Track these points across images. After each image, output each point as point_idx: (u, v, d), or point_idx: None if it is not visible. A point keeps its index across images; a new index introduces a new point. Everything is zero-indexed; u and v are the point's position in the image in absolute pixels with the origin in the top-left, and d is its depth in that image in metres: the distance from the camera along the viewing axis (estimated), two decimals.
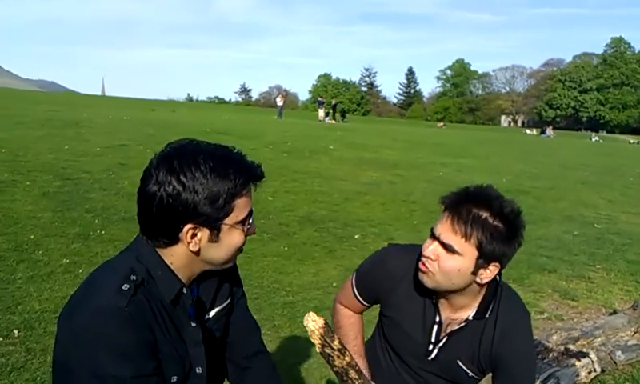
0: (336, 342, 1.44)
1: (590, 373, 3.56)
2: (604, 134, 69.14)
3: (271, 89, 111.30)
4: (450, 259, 1.57)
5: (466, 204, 1.56)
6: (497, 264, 1.59)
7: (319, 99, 45.66)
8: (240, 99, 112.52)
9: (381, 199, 9.76)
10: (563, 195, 11.99)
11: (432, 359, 1.79)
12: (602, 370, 3.69)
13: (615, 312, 4.86)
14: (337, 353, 1.44)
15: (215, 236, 1.32)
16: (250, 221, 1.37)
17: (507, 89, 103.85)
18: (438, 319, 1.75)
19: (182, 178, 1.25)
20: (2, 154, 9.34)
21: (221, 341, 1.59)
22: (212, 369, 1.52)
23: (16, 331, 3.71)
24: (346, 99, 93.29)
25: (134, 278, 1.28)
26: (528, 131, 58.42)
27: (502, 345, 1.70)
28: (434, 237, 1.61)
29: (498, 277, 1.69)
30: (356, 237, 7.35)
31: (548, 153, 23.21)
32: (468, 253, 1.55)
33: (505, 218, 1.54)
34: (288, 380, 3.45)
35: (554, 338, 3.81)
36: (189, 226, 1.28)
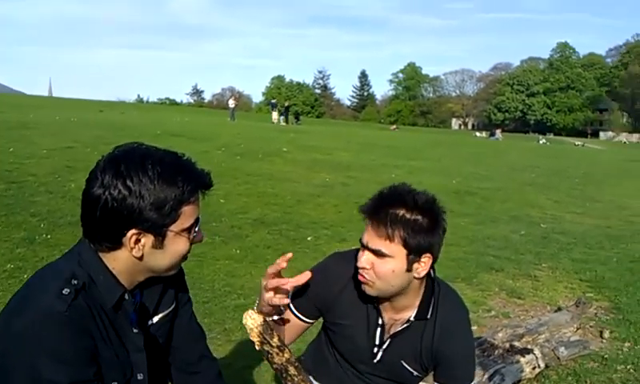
0: (275, 339, 1.45)
1: (534, 368, 3.65)
2: (551, 136, 71.22)
3: (224, 90, 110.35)
4: (383, 263, 1.60)
5: (383, 207, 1.60)
6: (428, 255, 1.63)
7: (272, 101, 45.61)
8: (192, 101, 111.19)
9: (334, 201, 9.81)
10: (511, 196, 12.30)
11: (377, 362, 1.82)
12: (546, 366, 3.80)
13: (560, 309, 5.02)
14: (276, 350, 1.45)
15: (160, 242, 1.31)
16: (197, 228, 1.36)
17: (457, 92, 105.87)
18: (380, 322, 1.78)
19: (128, 182, 1.24)
20: None
21: (165, 346, 1.57)
22: (155, 374, 1.50)
23: None
24: (299, 101, 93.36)
25: (75, 282, 1.26)
26: (478, 134, 59.67)
27: (443, 343, 1.74)
28: (363, 247, 1.64)
29: (432, 272, 1.74)
30: (309, 239, 7.38)
31: (497, 155, 23.75)
32: (397, 252, 1.59)
33: (421, 210, 1.59)
34: (238, 383, 3.44)
35: (500, 335, 3.91)
36: (133, 231, 1.27)
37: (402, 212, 1.58)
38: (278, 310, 1.71)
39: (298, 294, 1.81)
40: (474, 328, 4.65)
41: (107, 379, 1.30)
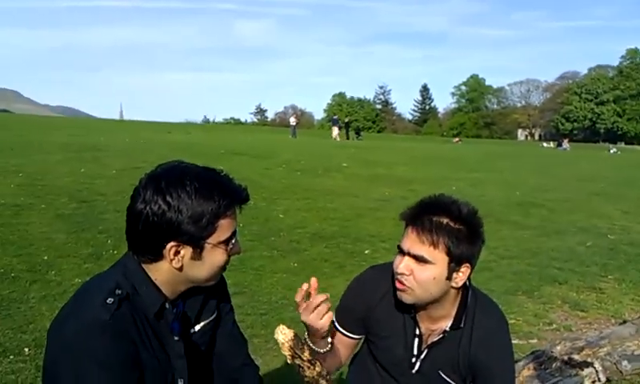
0: (306, 354, 1.48)
1: (594, 382, 3.54)
2: (622, 145, 68.47)
3: (286, 109, 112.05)
4: (424, 270, 1.62)
5: (426, 214, 1.63)
6: (467, 265, 1.66)
7: (334, 117, 45.89)
8: (256, 120, 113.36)
9: (393, 214, 9.72)
10: (577, 207, 11.91)
11: (416, 372, 1.84)
12: (608, 380, 3.67)
13: (625, 322, 4.83)
14: (307, 363, 1.48)
15: (198, 254, 1.38)
16: (233, 241, 1.42)
17: (523, 103, 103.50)
18: (418, 332, 1.80)
19: (167, 197, 1.32)
20: (20, 178, 9.54)
21: (207, 353, 1.64)
22: (197, 380, 1.58)
23: (27, 349, 3.80)
24: (360, 117, 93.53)
25: (119, 292, 1.34)
26: (545, 144, 58.07)
27: (480, 351, 1.74)
28: (403, 253, 1.66)
29: (468, 283, 1.75)
30: (366, 252, 7.38)
31: (564, 165, 23.08)
32: (439, 260, 1.61)
33: (464, 220, 1.62)
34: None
35: (559, 347, 3.80)
36: (172, 243, 1.34)
37: (446, 220, 1.61)
38: (329, 332, 1.72)
39: (340, 312, 1.87)
40: (533, 341, 4.57)
41: None
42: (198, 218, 1.33)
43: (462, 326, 1.75)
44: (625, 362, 3.81)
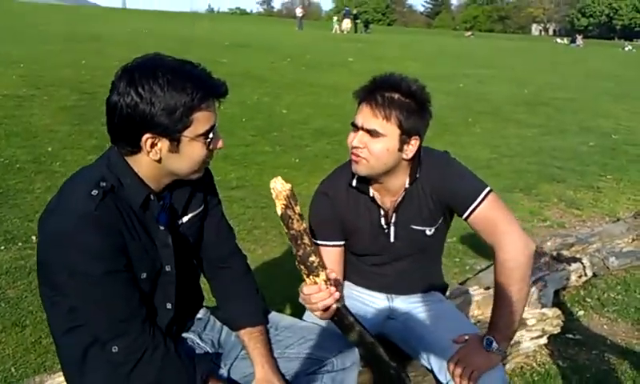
0: (297, 208, 1.52)
1: (580, 277, 3.66)
2: (638, 42, 66.50)
3: None
4: (377, 142, 1.73)
5: (378, 90, 1.73)
6: (417, 137, 1.77)
7: (346, 9, 44.59)
8: (262, 10, 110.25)
9: None
10: (584, 106, 11.79)
11: (394, 240, 1.94)
12: (594, 275, 3.79)
13: (618, 220, 4.93)
14: (297, 216, 1.52)
15: (175, 147, 1.41)
16: (211, 135, 1.44)
17: None
18: (381, 211, 1.92)
19: (139, 89, 1.33)
20: (21, 69, 9.49)
21: (195, 244, 1.72)
22: (185, 267, 1.66)
23: (33, 237, 3.93)
24: (370, 9, 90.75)
25: (104, 184, 1.39)
26: (559, 40, 56.46)
27: (438, 182, 1.87)
28: (356, 127, 1.77)
29: (419, 154, 1.85)
30: None
31: (575, 63, 22.62)
32: (391, 132, 1.73)
33: (414, 95, 1.73)
34: (279, 278, 3.60)
35: (549, 243, 3.90)
36: (147, 135, 1.37)
37: (397, 95, 1.72)
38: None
39: (317, 229, 1.92)
40: None
41: (137, 270, 1.46)
42: (171, 111, 1.35)
43: (417, 176, 1.86)
44: (612, 258, 3.93)
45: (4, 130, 6.38)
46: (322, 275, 1.59)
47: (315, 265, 1.58)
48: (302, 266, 1.59)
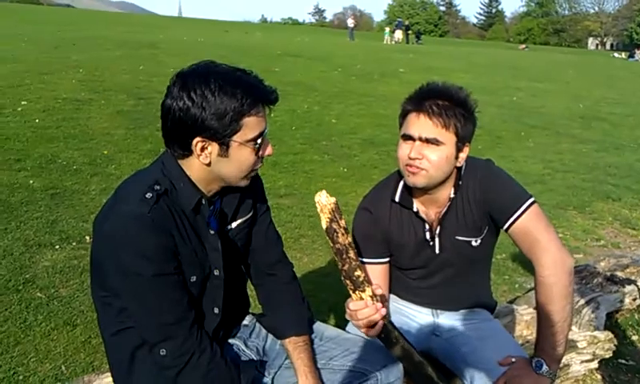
0: (342, 222, 1.51)
1: (634, 299, 3.53)
2: None
3: (345, 10, 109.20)
4: (437, 151, 1.72)
5: (430, 99, 1.71)
6: (468, 144, 1.77)
7: (399, 20, 44.50)
8: (314, 20, 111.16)
9: None
10: None
11: (440, 252, 1.91)
12: None
13: None
14: (342, 230, 1.51)
15: (224, 151, 1.43)
16: (259, 141, 1.46)
17: (596, 9, 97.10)
18: (426, 225, 1.90)
19: (192, 94, 1.37)
20: (80, 74, 9.82)
21: (243, 249, 1.74)
22: (233, 272, 1.68)
23: (87, 237, 4.06)
24: (422, 20, 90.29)
25: (158, 188, 1.43)
26: (616, 54, 54.81)
27: (483, 190, 1.83)
28: (411, 139, 1.73)
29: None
30: None
31: (633, 78, 21.90)
32: (449, 140, 1.72)
33: (464, 102, 1.73)
34: (324, 288, 3.61)
35: (602, 263, 3.78)
36: (198, 138, 1.40)
37: (449, 103, 1.71)
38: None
39: (361, 246, 1.91)
40: (579, 256, 4.57)
41: (187, 273, 1.49)
42: (221, 115, 1.38)
43: (460, 183, 1.84)
44: None
45: (62, 132, 6.60)
46: (368, 291, 1.58)
47: (361, 280, 1.57)
48: (347, 281, 1.58)
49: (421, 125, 1.71)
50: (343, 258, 1.54)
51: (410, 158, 1.73)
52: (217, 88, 1.38)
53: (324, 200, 1.51)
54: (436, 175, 1.75)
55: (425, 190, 1.83)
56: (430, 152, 1.71)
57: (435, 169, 1.73)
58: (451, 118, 1.69)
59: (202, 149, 1.43)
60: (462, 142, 1.74)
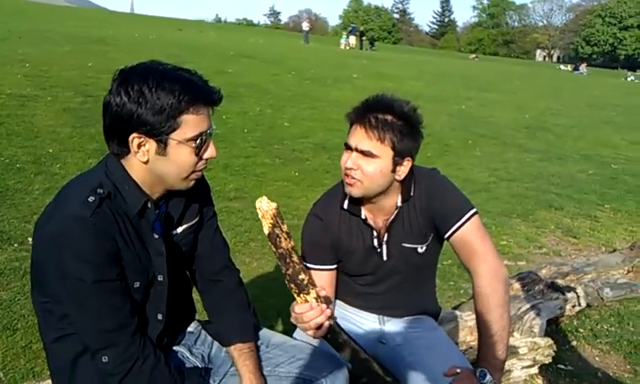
0: (285, 226, 1.52)
1: (574, 306, 3.65)
2: None
3: (301, 13, 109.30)
4: (371, 163, 1.74)
5: (371, 112, 1.74)
6: (409, 159, 1.79)
7: (352, 26, 44.81)
8: (269, 22, 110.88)
9: None
10: (584, 134, 11.83)
11: (387, 259, 1.95)
12: (588, 305, 3.78)
13: (614, 251, 4.93)
14: (285, 235, 1.52)
15: (162, 149, 1.42)
16: (199, 141, 1.45)
17: (545, 22, 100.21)
18: (374, 232, 1.93)
19: (129, 89, 1.37)
20: (26, 69, 9.51)
21: (188, 255, 1.72)
22: (178, 278, 1.67)
23: (29, 239, 3.92)
24: (376, 26, 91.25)
25: (101, 191, 1.41)
26: (562, 67, 56.65)
27: (430, 200, 1.88)
28: (350, 149, 1.77)
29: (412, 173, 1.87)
30: None
31: (577, 90, 22.69)
32: (384, 154, 1.74)
33: (407, 117, 1.75)
34: (272, 293, 3.59)
35: (544, 271, 3.90)
36: (134, 134, 1.40)
37: (390, 117, 1.73)
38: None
39: (308, 252, 1.94)
40: (521, 263, 4.69)
41: (130, 280, 1.47)
42: (157, 111, 1.38)
43: (411, 194, 1.88)
44: (607, 290, 3.93)
45: (6, 129, 6.38)
46: (313, 293, 1.59)
47: (305, 283, 1.58)
48: (291, 285, 1.58)
49: (358, 136, 1.75)
50: (287, 262, 1.54)
51: (347, 168, 1.77)
52: (154, 84, 1.38)
53: (265, 206, 1.51)
54: (371, 187, 1.78)
55: (367, 199, 1.86)
56: (364, 163, 1.75)
57: (369, 181, 1.77)
58: (387, 132, 1.71)
59: (139, 146, 1.41)
60: (399, 156, 1.75)
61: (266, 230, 1.51)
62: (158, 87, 1.38)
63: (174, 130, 1.41)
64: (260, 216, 1.51)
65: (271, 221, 1.50)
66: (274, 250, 1.53)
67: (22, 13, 27.52)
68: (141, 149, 1.42)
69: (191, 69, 1.49)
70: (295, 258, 1.54)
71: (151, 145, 1.42)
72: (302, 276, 1.56)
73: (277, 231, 1.51)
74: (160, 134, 1.40)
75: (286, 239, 1.52)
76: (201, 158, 1.49)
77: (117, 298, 1.43)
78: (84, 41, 14.81)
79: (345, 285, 2.06)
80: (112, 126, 1.41)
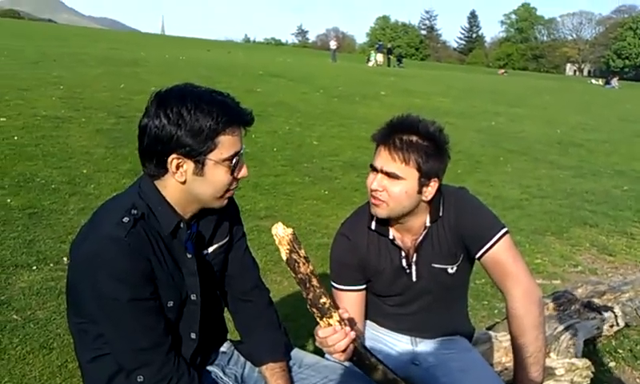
0: (302, 251, 1.51)
1: (612, 326, 3.56)
2: None
3: (328, 31, 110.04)
4: (397, 185, 1.74)
5: (396, 134, 1.73)
6: (436, 179, 1.77)
7: (379, 43, 44.94)
8: (297, 41, 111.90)
9: None
10: (618, 149, 11.61)
11: (417, 280, 1.93)
12: (627, 325, 3.69)
13: None
14: (302, 260, 1.50)
15: (200, 170, 1.45)
16: (234, 161, 1.48)
17: (574, 36, 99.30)
18: (402, 253, 1.91)
19: (168, 111, 1.40)
20: (60, 91, 9.73)
21: (220, 275, 1.74)
22: (210, 298, 1.68)
23: (65, 258, 3.99)
24: (403, 43, 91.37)
25: (135, 212, 1.43)
26: (593, 81, 55.82)
27: (460, 220, 1.86)
28: (375, 170, 1.77)
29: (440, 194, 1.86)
30: None
31: (609, 104, 22.34)
32: (410, 175, 1.73)
33: (432, 137, 1.73)
34: (304, 312, 3.58)
35: (580, 290, 3.81)
36: (173, 155, 1.42)
37: (415, 138, 1.72)
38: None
39: (336, 273, 1.94)
40: (556, 282, 4.60)
41: (164, 298, 1.49)
42: (196, 133, 1.41)
43: (440, 215, 1.86)
44: None
45: (41, 150, 6.52)
46: (335, 316, 1.57)
47: (327, 306, 1.56)
48: (314, 309, 1.56)
49: (383, 158, 1.75)
50: (307, 287, 1.52)
51: (372, 189, 1.78)
52: (193, 106, 1.40)
53: (281, 232, 1.50)
54: (396, 208, 1.78)
55: (394, 219, 1.85)
56: (390, 185, 1.75)
57: (395, 202, 1.76)
58: (412, 154, 1.70)
59: (178, 166, 1.44)
60: (426, 177, 1.74)
61: (284, 256, 1.51)
62: (196, 109, 1.40)
63: (211, 150, 1.44)
64: (277, 242, 1.50)
65: (288, 246, 1.50)
66: (294, 275, 1.53)
67: (54, 38, 28.26)
68: (179, 170, 1.44)
69: (222, 90, 1.52)
70: (315, 282, 1.53)
71: (189, 165, 1.44)
72: (323, 300, 1.55)
73: (294, 256, 1.50)
74: (198, 155, 1.43)
75: (304, 264, 1.51)
76: (235, 178, 1.51)
77: (151, 318, 1.45)
78: (116, 63, 15.12)
79: (375, 306, 2.04)
80: (150, 147, 1.43)
